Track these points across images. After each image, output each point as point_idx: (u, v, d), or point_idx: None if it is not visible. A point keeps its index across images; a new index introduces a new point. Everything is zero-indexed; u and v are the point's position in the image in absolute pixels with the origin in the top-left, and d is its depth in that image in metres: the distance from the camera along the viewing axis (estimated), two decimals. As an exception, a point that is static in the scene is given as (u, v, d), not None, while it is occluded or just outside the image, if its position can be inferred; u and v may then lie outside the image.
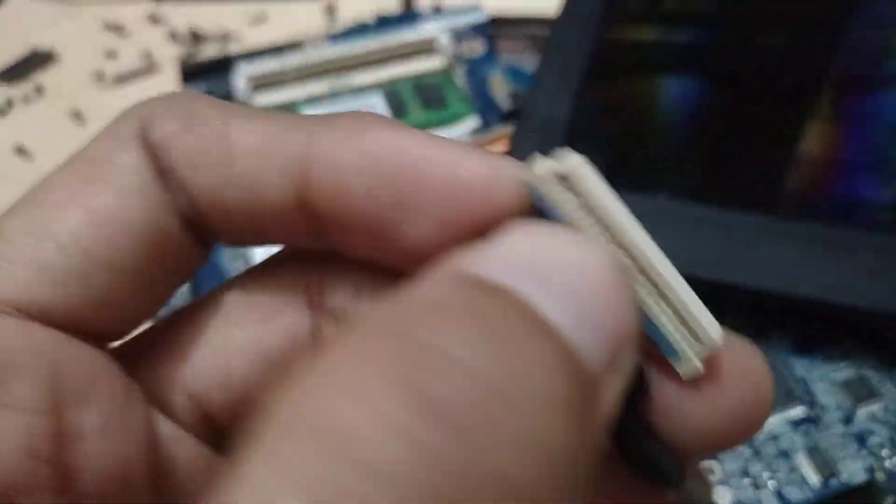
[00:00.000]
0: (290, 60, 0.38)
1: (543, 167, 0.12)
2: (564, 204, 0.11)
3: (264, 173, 0.13)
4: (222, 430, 0.15)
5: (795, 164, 0.31)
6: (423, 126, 0.36)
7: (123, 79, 0.42)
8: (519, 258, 0.11)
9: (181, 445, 0.14)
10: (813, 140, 0.32)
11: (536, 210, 0.12)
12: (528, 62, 0.38)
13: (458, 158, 0.12)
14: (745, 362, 0.13)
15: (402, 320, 0.10)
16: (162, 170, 0.13)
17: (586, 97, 0.33)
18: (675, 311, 0.12)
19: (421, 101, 0.37)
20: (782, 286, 0.27)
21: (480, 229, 0.12)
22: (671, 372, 0.12)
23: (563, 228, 0.11)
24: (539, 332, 0.10)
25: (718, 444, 0.13)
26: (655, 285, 0.12)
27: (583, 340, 0.10)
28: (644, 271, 0.12)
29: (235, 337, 0.14)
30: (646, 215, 0.35)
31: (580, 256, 0.11)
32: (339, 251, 0.14)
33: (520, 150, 0.33)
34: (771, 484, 0.26)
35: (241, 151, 0.13)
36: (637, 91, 0.35)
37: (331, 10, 0.45)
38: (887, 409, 0.27)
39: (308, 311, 0.15)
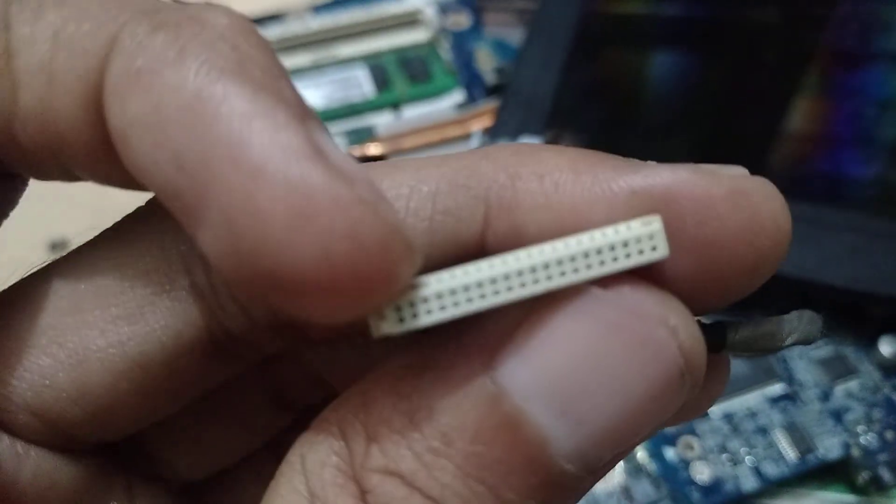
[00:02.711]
0: (273, 32, 0.37)
1: None
2: None
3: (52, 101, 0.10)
4: (77, 437, 0.12)
5: (781, 141, 0.31)
6: (408, 99, 0.36)
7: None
8: (551, 380, 0.10)
9: (24, 461, 0.11)
10: (799, 116, 0.32)
11: None
12: (515, 36, 0.38)
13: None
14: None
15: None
16: None
17: (571, 73, 0.33)
18: None
19: (406, 74, 0.37)
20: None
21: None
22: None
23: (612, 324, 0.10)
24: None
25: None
26: None
27: (575, 469, 0.10)
28: None
29: (91, 342, 0.11)
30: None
31: (617, 388, 0.10)
32: None
33: (504, 126, 0.33)
34: (749, 459, 0.26)
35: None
36: (623, 66, 0.35)
37: (314, -20, 0.44)
38: (864, 387, 0.27)
39: (191, 292, 0.11)
